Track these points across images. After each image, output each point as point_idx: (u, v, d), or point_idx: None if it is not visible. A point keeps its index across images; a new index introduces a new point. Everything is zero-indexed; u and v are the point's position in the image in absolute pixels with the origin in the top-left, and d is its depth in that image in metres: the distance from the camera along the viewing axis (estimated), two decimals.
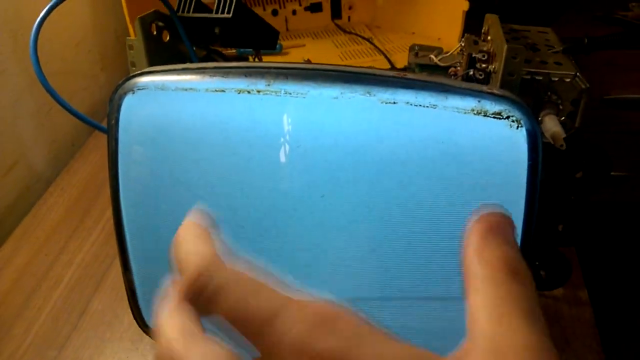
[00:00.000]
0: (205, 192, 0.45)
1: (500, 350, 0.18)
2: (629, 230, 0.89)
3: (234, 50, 0.89)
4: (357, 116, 0.42)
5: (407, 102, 0.41)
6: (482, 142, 0.42)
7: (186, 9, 0.65)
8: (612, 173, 0.63)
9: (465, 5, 0.90)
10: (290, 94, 0.42)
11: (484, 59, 0.54)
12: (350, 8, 1.07)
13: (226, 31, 0.65)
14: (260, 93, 0.43)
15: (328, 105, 0.42)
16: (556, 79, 0.49)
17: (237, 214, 0.45)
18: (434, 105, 0.41)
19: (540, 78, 0.49)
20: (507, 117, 0.41)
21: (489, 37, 0.56)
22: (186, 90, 0.44)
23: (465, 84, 0.43)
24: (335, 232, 0.45)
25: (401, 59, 0.90)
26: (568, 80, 0.49)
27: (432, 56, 0.66)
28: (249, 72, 0.43)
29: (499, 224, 0.23)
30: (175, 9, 0.66)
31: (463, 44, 0.59)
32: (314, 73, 0.43)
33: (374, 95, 0.41)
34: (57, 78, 0.61)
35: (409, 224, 0.43)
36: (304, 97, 0.42)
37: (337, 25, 1.05)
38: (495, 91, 0.42)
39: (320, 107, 0.42)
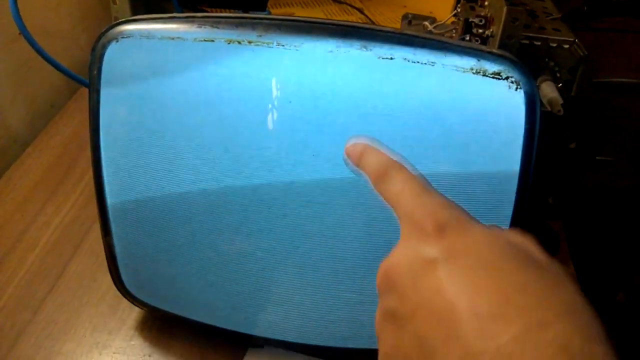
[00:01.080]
0: (190, 147, 0.43)
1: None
2: (614, 212, 0.89)
3: (223, 12, 0.86)
4: (353, 71, 0.40)
5: (405, 59, 0.40)
6: (479, 102, 0.41)
7: None
8: (597, 157, 0.62)
9: None
10: (283, 45, 0.41)
11: (481, 23, 0.53)
12: None
13: None
14: (252, 44, 0.41)
15: (323, 59, 0.40)
16: (554, 44, 0.48)
17: (222, 170, 0.43)
18: (432, 62, 0.40)
19: (539, 43, 0.48)
20: (506, 78, 0.40)
21: (486, 2, 0.55)
22: (173, 39, 0.42)
23: (464, 43, 0.41)
24: (330, 195, 0.43)
25: None
26: (567, 46, 0.48)
27: (427, 23, 0.65)
28: (240, 23, 0.42)
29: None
30: None
31: (459, 10, 0.58)
32: (309, 25, 0.41)
33: (371, 49, 0.40)
34: (36, 39, 0.58)
35: None
36: (297, 50, 0.40)
37: None
38: (494, 51, 0.41)
39: (314, 60, 0.40)
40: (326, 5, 1.00)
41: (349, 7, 0.98)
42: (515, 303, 0.21)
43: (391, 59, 0.40)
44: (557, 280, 0.23)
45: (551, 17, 0.52)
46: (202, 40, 0.42)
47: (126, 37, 0.43)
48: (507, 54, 0.41)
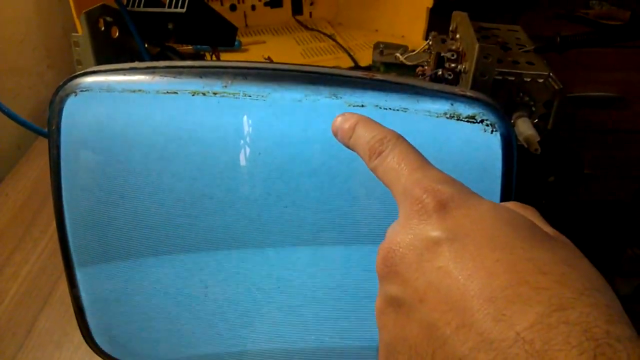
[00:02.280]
0: (154, 204, 0.41)
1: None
2: (600, 227, 0.89)
3: (190, 47, 0.85)
4: (323, 120, 0.39)
5: (376, 105, 0.38)
6: (454, 147, 0.40)
7: (137, 2, 0.61)
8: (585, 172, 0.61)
9: (429, 2, 0.88)
10: (249, 96, 0.39)
11: (453, 58, 0.52)
12: (311, 4, 1.03)
13: (180, 27, 0.60)
14: (217, 95, 0.39)
15: (291, 109, 0.39)
16: (529, 79, 0.47)
17: (192, 223, 0.41)
18: (404, 108, 0.39)
19: (512, 78, 0.47)
20: (481, 121, 0.39)
21: (457, 36, 0.54)
22: (134, 92, 0.40)
23: (437, 86, 0.40)
24: (301, 247, 0.42)
25: (365, 57, 0.88)
26: (541, 80, 0.47)
27: (398, 54, 0.64)
28: (204, 73, 0.40)
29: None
30: (125, 2, 0.62)
31: (430, 43, 0.57)
32: (276, 73, 0.39)
33: (341, 97, 0.38)
34: (1, 76, 0.56)
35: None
36: (265, 100, 0.39)
37: (298, 21, 1.02)
38: (468, 93, 0.40)
39: (282, 110, 0.39)
40: (297, 32, 0.99)
41: (320, 34, 0.97)
42: (532, 283, 0.19)
43: (362, 106, 0.38)
44: (570, 253, 0.21)
45: (524, 49, 0.51)
46: (164, 93, 0.40)
47: (85, 91, 0.41)
48: (481, 96, 0.40)
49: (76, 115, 0.42)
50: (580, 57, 0.67)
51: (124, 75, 0.41)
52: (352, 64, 0.88)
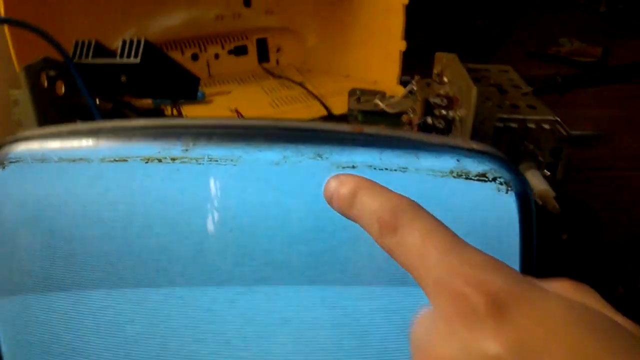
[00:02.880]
0: (108, 306, 0.33)
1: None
2: (593, 266, 0.83)
3: (149, 101, 0.78)
4: (306, 187, 0.32)
5: (370, 165, 0.32)
6: (464, 211, 0.33)
7: (84, 54, 0.54)
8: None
9: (402, 45, 0.84)
10: (216, 161, 0.32)
11: (443, 104, 0.46)
12: (278, 50, 0.98)
13: (135, 79, 0.54)
14: (176, 161, 0.32)
15: (267, 174, 0.32)
16: (533, 125, 0.42)
17: (148, 326, 0.34)
18: (403, 167, 0.32)
19: (515, 125, 0.42)
20: (494, 179, 0.33)
21: (445, 79, 0.49)
22: (74, 161, 0.33)
23: (437, 139, 0.34)
24: (277, 333, 0.34)
25: (338, 104, 0.82)
26: (547, 127, 0.42)
27: (378, 101, 0.58)
28: (159, 134, 0.33)
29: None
30: (71, 54, 0.55)
31: (414, 87, 0.51)
32: (247, 132, 0.33)
33: (327, 157, 0.32)
34: None
35: (379, 329, 0.33)
36: (235, 165, 0.32)
37: (265, 69, 0.96)
38: (474, 146, 0.34)
39: (256, 177, 0.32)
40: (265, 81, 0.94)
41: (289, 82, 0.92)
42: None
43: (353, 167, 0.32)
44: None
45: (521, 91, 0.46)
46: (112, 161, 0.33)
47: (14, 162, 0.34)
48: (490, 149, 0.34)
49: (4, 191, 0.34)
50: (553, 95, 0.63)
51: (62, 140, 0.34)
52: (324, 113, 0.82)
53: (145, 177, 0.32)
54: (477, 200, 0.33)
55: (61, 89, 0.55)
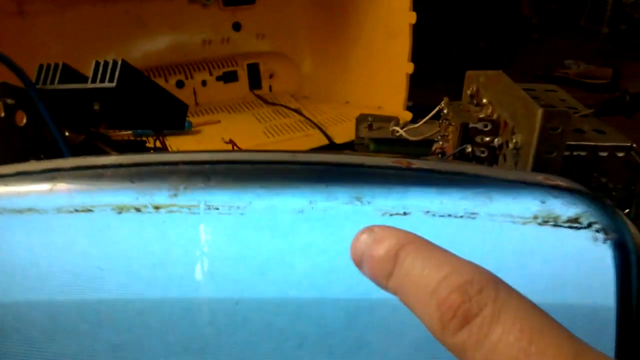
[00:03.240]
0: None
1: None
2: None
3: (129, 132, 0.69)
4: (341, 245, 0.23)
5: (428, 212, 0.23)
6: (552, 268, 0.25)
7: (49, 79, 0.45)
8: None
9: (409, 68, 0.77)
10: (216, 209, 0.23)
11: (486, 129, 0.38)
12: (271, 76, 0.91)
13: (110, 107, 0.45)
14: (161, 210, 0.23)
15: (286, 228, 0.23)
16: (605, 154, 0.33)
17: None
18: (472, 213, 0.24)
19: (584, 154, 0.33)
20: (589, 225, 0.25)
21: (484, 100, 0.41)
22: (21, 212, 0.24)
23: (510, 174, 0.26)
24: None
25: (340, 133, 0.74)
26: (621, 155, 0.34)
27: (397, 128, 0.50)
28: (138, 174, 0.24)
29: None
30: (35, 79, 0.46)
31: (446, 111, 0.43)
32: (258, 168, 0.24)
33: (368, 202, 0.23)
34: None
35: None
36: (243, 214, 0.23)
37: (258, 96, 0.88)
38: (560, 182, 0.26)
39: (272, 230, 0.23)
40: (257, 108, 0.85)
41: (284, 109, 0.84)
42: None
43: (404, 214, 0.23)
44: None
45: (580, 113, 0.38)
46: (72, 212, 0.24)
47: None
48: (577, 186, 0.26)
49: None
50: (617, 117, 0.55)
51: (6, 185, 0.25)
52: (326, 142, 0.74)
53: (117, 232, 0.23)
54: (567, 254, 0.25)
55: (22, 119, 0.46)
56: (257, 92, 0.89)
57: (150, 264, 0.23)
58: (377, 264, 0.16)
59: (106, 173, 0.24)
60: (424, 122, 0.49)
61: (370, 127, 0.56)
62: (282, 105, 0.84)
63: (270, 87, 0.91)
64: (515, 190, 0.24)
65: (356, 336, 0.24)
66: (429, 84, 1.06)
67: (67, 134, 0.49)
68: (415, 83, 0.83)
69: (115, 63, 0.44)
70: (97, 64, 0.44)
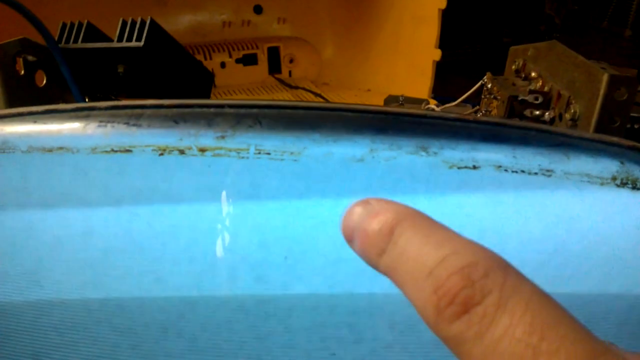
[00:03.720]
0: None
1: None
2: None
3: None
4: (403, 196, 0.21)
5: (499, 166, 0.21)
6: (627, 233, 0.23)
7: (72, 37, 0.43)
8: None
9: (437, 55, 0.74)
10: (267, 153, 0.21)
11: (536, 102, 0.36)
12: (291, 61, 0.89)
13: (135, 70, 0.43)
14: (206, 153, 0.21)
15: (345, 175, 0.21)
16: None
17: None
18: (547, 170, 0.22)
19: None
20: None
21: (532, 74, 0.39)
22: (52, 150, 0.22)
23: (586, 133, 0.24)
24: None
25: None
26: None
27: (432, 106, 0.48)
28: (182, 115, 0.22)
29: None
30: (57, 38, 0.44)
31: (489, 85, 0.41)
32: (313, 114, 0.22)
33: (435, 153, 0.21)
34: None
35: None
36: (297, 160, 0.21)
37: (279, 80, 0.86)
38: (639, 145, 0.23)
39: (330, 178, 0.21)
40: (277, 92, 0.83)
41: (306, 93, 0.82)
42: None
43: (474, 167, 0.21)
44: None
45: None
46: (108, 152, 0.22)
47: None
48: None
49: None
50: None
51: (35, 122, 0.23)
52: None
53: (159, 175, 0.21)
54: None
55: (42, 79, 0.44)
56: (277, 76, 0.87)
57: (190, 210, 0.21)
58: (370, 239, 0.14)
59: (146, 112, 0.22)
60: (460, 102, 0.47)
61: (402, 106, 0.54)
62: (304, 89, 0.82)
63: (290, 72, 0.89)
64: (594, 149, 0.22)
65: None
66: (451, 78, 1.03)
67: (87, 101, 0.47)
68: (437, 77, 0.81)
69: (143, 22, 0.42)
70: (124, 22, 0.42)
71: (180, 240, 0.21)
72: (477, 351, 0.11)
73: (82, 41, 0.43)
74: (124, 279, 0.22)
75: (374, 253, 0.14)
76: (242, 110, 0.22)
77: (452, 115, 0.22)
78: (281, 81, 0.85)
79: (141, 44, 0.41)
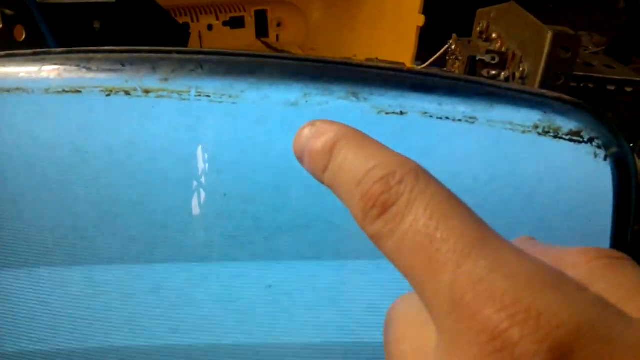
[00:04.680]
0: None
1: None
2: None
3: None
4: None
5: (425, 113, 0.23)
6: (547, 179, 0.24)
7: None
8: None
9: (420, 20, 0.75)
10: (208, 96, 0.23)
11: (493, 62, 0.37)
12: (278, 25, 0.89)
13: (110, 26, 0.44)
14: (150, 94, 0.23)
15: (280, 118, 0.23)
16: (613, 87, 0.33)
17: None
18: (470, 118, 0.23)
19: (592, 86, 0.33)
20: (590, 140, 0.24)
21: (493, 35, 0.40)
22: (9, 91, 0.23)
23: (515, 85, 0.25)
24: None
25: None
26: (629, 90, 0.33)
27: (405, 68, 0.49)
28: (129, 60, 0.23)
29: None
30: None
31: (454, 47, 0.42)
32: (252, 62, 0.23)
33: (365, 98, 0.23)
34: None
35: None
36: (235, 103, 0.23)
37: (265, 44, 0.87)
38: (564, 97, 0.25)
39: (264, 120, 0.23)
40: None
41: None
42: None
43: (401, 113, 0.23)
44: None
45: (589, 50, 0.37)
46: (60, 92, 0.23)
47: None
48: (581, 102, 0.25)
49: None
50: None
51: None
52: None
53: (106, 115, 0.23)
54: (565, 166, 0.24)
55: (21, 34, 0.46)
56: (264, 40, 0.87)
57: (135, 147, 0.23)
58: (314, 157, 0.16)
59: (97, 57, 0.24)
60: (430, 63, 0.48)
61: None
62: (289, 53, 0.83)
63: (277, 36, 0.90)
64: (518, 99, 0.24)
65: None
66: (440, 45, 1.02)
67: None
68: (425, 45, 0.81)
69: None
70: None
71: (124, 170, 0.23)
72: (390, 243, 0.13)
73: None
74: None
75: (319, 169, 0.16)
76: (187, 56, 0.24)
77: (386, 66, 0.24)
78: (268, 45, 0.86)
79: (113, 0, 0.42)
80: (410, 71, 0.23)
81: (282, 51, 0.84)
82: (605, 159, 0.24)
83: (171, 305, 0.24)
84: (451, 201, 0.13)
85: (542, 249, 0.15)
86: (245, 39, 0.87)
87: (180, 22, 0.83)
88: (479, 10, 0.44)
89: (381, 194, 0.13)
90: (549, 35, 0.30)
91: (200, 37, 0.85)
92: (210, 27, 0.85)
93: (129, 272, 0.24)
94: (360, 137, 0.16)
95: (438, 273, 0.12)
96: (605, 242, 0.25)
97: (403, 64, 0.54)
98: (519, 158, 0.24)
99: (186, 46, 0.50)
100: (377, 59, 0.54)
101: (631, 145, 0.33)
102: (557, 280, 0.12)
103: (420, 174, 0.14)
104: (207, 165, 0.23)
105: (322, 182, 0.16)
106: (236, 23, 0.86)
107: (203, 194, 0.23)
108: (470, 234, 0.12)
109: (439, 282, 0.12)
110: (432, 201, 0.13)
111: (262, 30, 0.88)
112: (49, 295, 0.24)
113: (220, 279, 0.24)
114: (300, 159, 0.17)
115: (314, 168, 0.16)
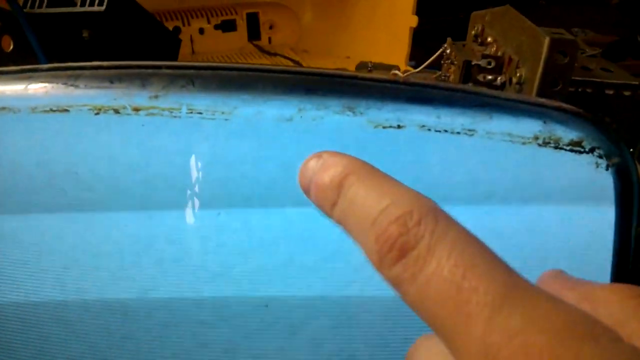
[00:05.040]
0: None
1: None
2: None
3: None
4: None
5: (423, 126, 0.22)
6: (548, 191, 0.24)
7: (37, 2, 0.44)
8: None
9: (413, 21, 0.74)
10: (199, 113, 0.22)
11: (489, 67, 0.36)
12: (270, 28, 0.88)
13: (99, 35, 0.43)
14: (140, 112, 0.22)
15: (273, 135, 0.22)
16: (611, 92, 0.32)
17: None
18: (469, 130, 0.23)
19: (589, 91, 0.32)
20: (591, 150, 0.24)
21: (489, 39, 0.39)
22: None
23: (513, 95, 0.24)
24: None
25: None
26: (628, 94, 0.32)
27: (398, 72, 0.49)
28: (118, 76, 0.23)
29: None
30: (22, 2, 0.44)
31: (448, 51, 0.42)
32: (244, 76, 0.23)
33: (361, 113, 0.22)
34: None
35: None
36: (227, 119, 0.22)
37: (258, 47, 0.86)
38: (564, 106, 0.24)
39: (258, 137, 0.22)
40: (256, 59, 0.83)
41: (285, 61, 0.82)
42: None
43: (399, 127, 0.22)
44: None
45: (586, 53, 0.37)
46: (47, 111, 0.22)
47: None
48: (581, 111, 0.24)
49: None
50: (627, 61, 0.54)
51: None
52: None
53: (95, 134, 0.22)
54: (567, 177, 0.24)
55: (9, 45, 0.45)
56: (256, 43, 0.87)
57: (125, 168, 0.22)
58: (322, 192, 0.15)
59: (84, 74, 0.23)
60: (424, 67, 0.48)
61: (370, 72, 0.54)
62: (282, 56, 0.82)
63: (269, 38, 0.89)
64: (517, 109, 0.23)
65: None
66: (434, 46, 1.02)
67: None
68: (419, 45, 0.81)
69: None
70: None
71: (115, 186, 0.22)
72: (413, 290, 0.12)
73: (47, 6, 0.44)
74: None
75: (327, 205, 0.15)
76: (178, 71, 0.23)
77: (382, 77, 0.23)
78: (260, 48, 0.85)
79: (102, 8, 0.41)
80: (407, 83, 0.23)
81: (275, 54, 0.83)
82: (607, 169, 0.24)
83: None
84: (476, 245, 0.12)
85: (572, 284, 0.14)
86: (237, 42, 0.87)
87: (172, 26, 0.82)
88: (474, 13, 0.44)
89: (399, 236, 0.13)
90: (547, 41, 0.29)
91: (191, 41, 0.84)
92: (201, 31, 0.84)
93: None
94: (371, 171, 0.15)
95: (468, 326, 0.11)
96: (608, 253, 0.25)
97: (397, 66, 0.53)
98: (520, 171, 0.23)
99: (177, 53, 0.49)
100: (370, 62, 0.54)
101: (631, 150, 0.33)
102: (594, 332, 0.11)
103: (439, 214, 0.13)
104: (198, 185, 0.22)
105: (330, 217, 0.15)
106: (228, 26, 0.85)
107: (197, 212, 0.22)
108: (500, 282, 0.12)
109: (469, 335, 0.11)
110: (456, 246, 0.12)
111: (254, 33, 0.87)
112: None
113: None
114: (306, 191, 0.16)
115: (321, 203, 0.15)
